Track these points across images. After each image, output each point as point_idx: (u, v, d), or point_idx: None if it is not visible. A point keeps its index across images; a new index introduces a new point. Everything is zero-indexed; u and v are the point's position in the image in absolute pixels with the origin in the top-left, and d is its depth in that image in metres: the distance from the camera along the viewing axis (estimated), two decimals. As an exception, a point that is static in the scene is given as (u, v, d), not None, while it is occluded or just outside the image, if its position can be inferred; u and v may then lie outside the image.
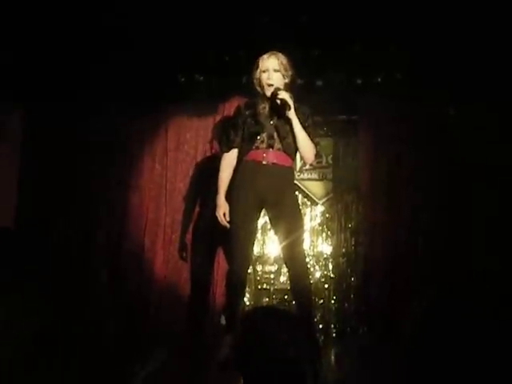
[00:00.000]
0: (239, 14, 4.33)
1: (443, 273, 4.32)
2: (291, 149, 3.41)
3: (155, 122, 5.03)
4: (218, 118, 4.88)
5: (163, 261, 4.77)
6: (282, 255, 3.56)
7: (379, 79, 4.77)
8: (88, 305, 4.59)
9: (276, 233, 3.54)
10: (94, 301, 4.64)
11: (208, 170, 4.42)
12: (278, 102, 3.29)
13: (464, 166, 4.51)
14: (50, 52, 4.57)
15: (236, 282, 3.35)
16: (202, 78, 4.87)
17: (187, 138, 4.95)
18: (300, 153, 3.41)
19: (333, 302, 4.94)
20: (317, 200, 5.15)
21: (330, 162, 5.13)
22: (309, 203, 5.13)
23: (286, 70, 3.42)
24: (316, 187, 5.13)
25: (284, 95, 3.29)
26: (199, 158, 4.90)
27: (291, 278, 3.42)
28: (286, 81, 3.44)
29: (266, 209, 3.48)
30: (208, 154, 4.88)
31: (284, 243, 3.37)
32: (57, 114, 4.91)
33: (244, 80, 4.63)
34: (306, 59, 4.59)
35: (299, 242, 3.38)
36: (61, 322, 4.14)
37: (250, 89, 4.64)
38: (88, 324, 4.32)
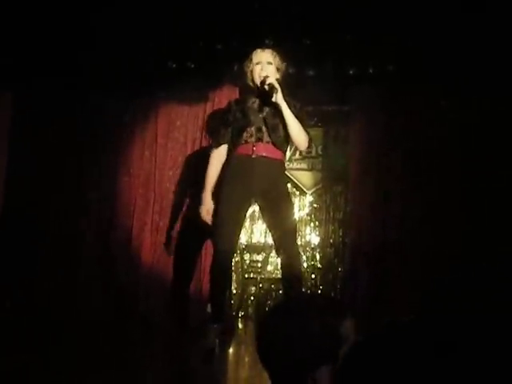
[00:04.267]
0: (232, 3, 4.31)
1: (430, 265, 4.35)
2: (281, 141, 3.39)
3: (145, 109, 5.01)
4: (209, 105, 4.87)
5: (151, 247, 4.77)
6: (274, 247, 3.58)
7: (371, 70, 4.76)
8: (76, 291, 4.58)
9: (268, 225, 3.54)
10: (82, 287, 4.64)
11: (199, 162, 4.41)
12: (266, 87, 3.28)
13: (456, 160, 4.52)
14: (38, 37, 4.52)
15: (220, 272, 3.34)
16: (193, 65, 4.84)
17: (177, 125, 4.93)
18: (292, 139, 3.39)
19: (319, 292, 4.97)
20: (305, 190, 5.16)
21: (320, 152, 5.14)
22: (297, 193, 5.14)
23: (278, 65, 3.43)
24: (305, 177, 5.14)
25: (272, 80, 3.29)
26: (189, 146, 4.89)
27: (283, 267, 3.42)
28: (278, 76, 3.44)
29: (256, 202, 3.47)
30: (198, 141, 4.87)
31: (276, 235, 3.38)
32: (45, 101, 4.87)
33: (235, 68, 4.61)
34: (297, 49, 4.58)
35: (292, 234, 3.39)
36: (49, 309, 4.14)
37: (242, 77, 4.64)
38: (77, 310, 4.32)
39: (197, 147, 4.86)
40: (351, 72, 4.79)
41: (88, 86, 4.81)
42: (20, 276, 4.48)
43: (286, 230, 3.33)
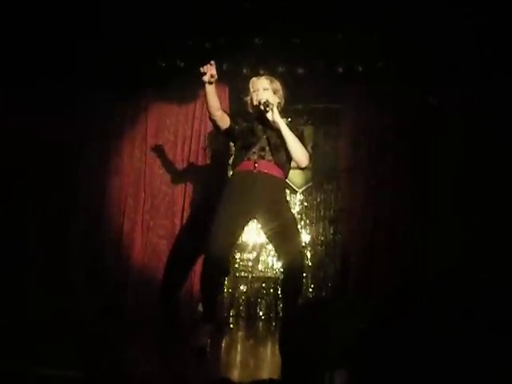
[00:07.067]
0: (221, 1, 4.30)
1: (421, 263, 4.36)
2: (283, 161, 3.44)
3: (135, 107, 5.00)
4: (199, 104, 4.85)
5: (142, 246, 4.76)
6: (279, 260, 3.60)
7: (361, 68, 4.77)
8: (65, 291, 4.56)
9: (273, 244, 3.53)
10: (71, 287, 4.62)
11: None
12: (262, 106, 3.33)
13: (447, 157, 4.53)
14: (26, 35, 4.50)
15: (211, 278, 3.33)
16: (182, 63, 4.83)
17: (167, 123, 4.92)
18: (292, 156, 3.43)
19: (310, 290, 4.98)
20: (296, 188, 5.17)
21: (310, 150, 5.13)
22: (288, 192, 5.13)
23: (275, 90, 3.49)
24: (295, 176, 5.14)
25: (266, 98, 3.34)
26: (179, 145, 4.88)
27: (285, 278, 3.42)
28: (278, 100, 3.52)
29: (257, 217, 3.46)
30: (188, 140, 4.86)
31: (279, 247, 3.42)
32: (35, 98, 4.85)
33: (224, 67, 4.60)
34: (287, 47, 4.58)
35: (297, 249, 3.40)
36: (36, 308, 4.12)
37: (231, 76, 4.64)
38: (65, 310, 4.30)
39: (187, 146, 4.85)
40: (341, 70, 4.79)
41: (77, 86, 4.80)
42: (6, 275, 4.45)
43: (291, 246, 3.35)
